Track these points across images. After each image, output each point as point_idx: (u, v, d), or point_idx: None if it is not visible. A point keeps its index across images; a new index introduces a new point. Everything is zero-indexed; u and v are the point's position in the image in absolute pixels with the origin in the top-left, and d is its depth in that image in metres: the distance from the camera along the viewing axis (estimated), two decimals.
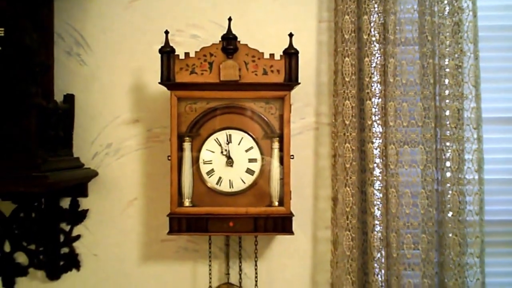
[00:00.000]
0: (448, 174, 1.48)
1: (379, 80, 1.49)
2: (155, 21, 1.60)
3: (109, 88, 1.62)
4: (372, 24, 1.48)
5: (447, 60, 1.48)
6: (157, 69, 1.40)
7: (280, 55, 1.40)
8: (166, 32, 1.41)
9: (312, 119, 1.62)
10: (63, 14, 1.60)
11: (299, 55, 1.41)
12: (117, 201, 1.62)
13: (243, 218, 1.41)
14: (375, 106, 1.48)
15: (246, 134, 1.43)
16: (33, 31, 1.40)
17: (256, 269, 1.55)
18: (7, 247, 1.60)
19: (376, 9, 1.48)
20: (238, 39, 1.40)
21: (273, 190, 1.43)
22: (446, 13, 1.48)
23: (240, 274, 1.56)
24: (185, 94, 1.41)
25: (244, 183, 1.43)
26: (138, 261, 1.63)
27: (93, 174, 1.60)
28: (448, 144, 1.48)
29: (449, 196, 1.47)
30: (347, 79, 1.48)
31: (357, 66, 1.50)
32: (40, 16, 1.49)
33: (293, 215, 1.42)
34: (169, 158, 1.41)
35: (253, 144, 1.43)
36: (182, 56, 1.40)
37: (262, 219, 1.41)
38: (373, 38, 1.48)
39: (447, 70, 1.48)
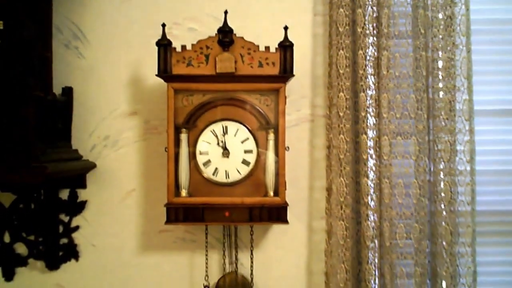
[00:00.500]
0: (441, 165, 1.50)
1: (373, 72, 1.51)
2: (153, 15, 1.62)
3: (107, 80, 1.64)
4: (366, 17, 1.50)
5: (439, 53, 1.50)
6: (154, 62, 1.42)
7: (276, 48, 1.43)
8: (163, 25, 1.43)
9: (308, 111, 1.65)
10: (61, 8, 1.61)
11: (295, 48, 1.43)
12: (115, 193, 1.64)
13: (239, 208, 1.43)
14: (368, 98, 1.51)
15: (242, 126, 1.46)
16: (32, 24, 1.42)
17: (252, 259, 1.58)
18: (7, 238, 1.62)
19: (370, 2, 1.50)
20: (234, 32, 1.42)
21: (268, 180, 1.45)
22: (439, 6, 1.50)
23: (236, 264, 1.59)
24: (181, 86, 1.43)
25: (240, 173, 1.46)
26: (136, 251, 1.65)
27: (92, 165, 1.62)
28: (440, 135, 1.50)
29: (441, 186, 1.50)
30: (341, 72, 1.51)
31: (351, 58, 1.52)
32: (38, 9, 1.50)
33: (288, 205, 1.44)
34: (166, 149, 1.44)
35: (249, 135, 1.46)
36: (178, 49, 1.42)
37: (257, 209, 1.43)
38: (367, 31, 1.50)
39: (440, 63, 1.51)
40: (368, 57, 1.51)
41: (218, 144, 1.46)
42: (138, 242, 1.65)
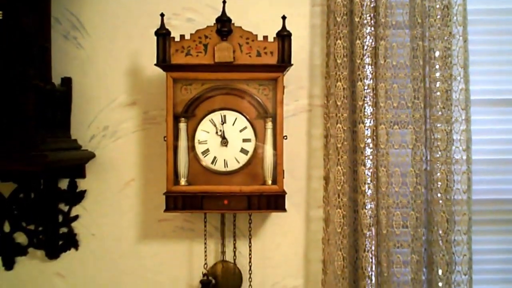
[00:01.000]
0: (437, 154, 1.52)
1: (370, 62, 1.52)
2: (151, 5, 1.62)
3: (106, 71, 1.65)
4: (363, 7, 1.51)
5: (436, 42, 1.51)
6: (153, 52, 1.43)
7: (274, 37, 1.44)
8: (162, 15, 1.44)
9: (306, 101, 1.66)
10: None
11: (293, 38, 1.44)
12: (114, 182, 1.66)
13: (237, 196, 1.45)
14: (366, 88, 1.52)
15: (240, 115, 1.47)
16: (31, 15, 1.43)
17: (250, 247, 1.60)
18: (6, 227, 1.63)
19: None
20: (233, 22, 1.43)
21: (266, 169, 1.47)
22: None
23: (234, 252, 1.61)
24: (180, 75, 1.44)
25: (238, 162, 1.47)
26: (136, 240, 1.66)
27: (91, 155, 1.63)
28: (437, 124, 1.52)
29: (437, 175, 1.52)
30: (339, 61, 1.52)
31: (349, 48, 1.53)
32: (37, 0, 1.50)
33: (286, 193, 1.46)
34: (165, 139, 1.45)
35: (247, 124, 1.47)
36: (177, 38, 1.43)
37: (255, 197, 1.45)
38: (365, 21, 1.51)
39: (437, 52, 1.52)
40: (365, 47, 1.52)
41: (216, 133, 1.47)
42: (138, 231, 1.66)
